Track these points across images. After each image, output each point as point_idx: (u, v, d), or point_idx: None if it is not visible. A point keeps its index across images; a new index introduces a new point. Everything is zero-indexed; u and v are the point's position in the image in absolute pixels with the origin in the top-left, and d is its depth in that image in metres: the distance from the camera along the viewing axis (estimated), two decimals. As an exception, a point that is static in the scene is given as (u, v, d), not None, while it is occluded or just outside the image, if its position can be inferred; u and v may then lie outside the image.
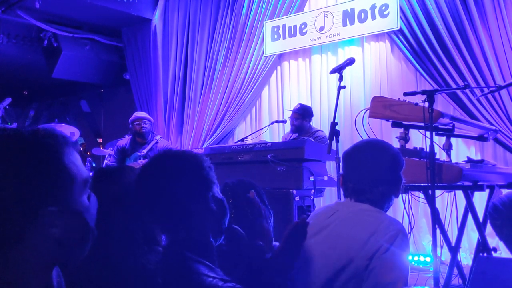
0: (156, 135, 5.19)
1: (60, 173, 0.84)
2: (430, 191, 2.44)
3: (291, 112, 5.16)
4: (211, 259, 1.29)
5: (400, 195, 1.93)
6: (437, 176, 2.41)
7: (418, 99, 2.62)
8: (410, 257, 4.49)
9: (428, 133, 2.53)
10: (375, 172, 1.65)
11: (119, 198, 1.49)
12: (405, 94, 2.44)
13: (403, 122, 2.80)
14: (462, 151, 4.66)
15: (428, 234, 4.86)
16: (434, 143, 2.56)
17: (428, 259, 4.51)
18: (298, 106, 5.21)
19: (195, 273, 1.21)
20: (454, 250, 2.94)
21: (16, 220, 0.80)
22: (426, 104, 2.40)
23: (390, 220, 1.60)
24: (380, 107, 2.80)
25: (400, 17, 4.99)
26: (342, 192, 1.81)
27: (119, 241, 1.43)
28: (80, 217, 0.87)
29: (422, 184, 2.59)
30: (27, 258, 0.82)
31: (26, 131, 0.86)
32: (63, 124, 5.90)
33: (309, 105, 5.74)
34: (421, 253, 4.65)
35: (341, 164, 3.42)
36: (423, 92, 2.38)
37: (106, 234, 1.38)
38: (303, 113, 5.11)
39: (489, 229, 3.41)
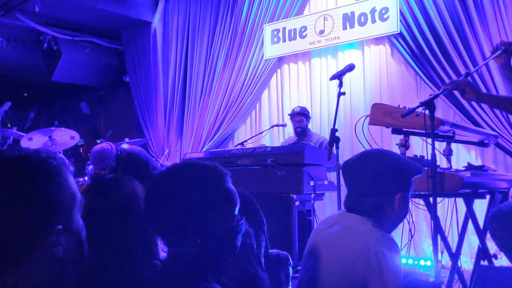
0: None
1: (66, 193, 0.87)
2: (431, 200, 2.43)
3: (292, 116, 5.15)
4: (207, 274, 1.27)
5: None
6: (438, 185, 2.41)
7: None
8: (410, 261, 4.52)
9: (429, 140, 2.52)
10: (362, 184, 1.63)
11: (116, 210, 1.48)
12: (403, 116, 2.40)
13: (403, 129, 2.79)
14: (462, 156, 4.65)
15: (428, 238, 4.85)
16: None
17: (428, 263, 4.51)
18: (299, 108, 5.22)
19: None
20: (455, 256, 2.93)
21: (24, 241, 0.81)
22: (427, 112, 2.39)
23: (380, 234, 1.58)
24: (380, 114, 2.79)
25: (400, 20, 4.98)
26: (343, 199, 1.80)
27: (117, 254, 1.42)
28: (78, 236, 0.90)
29: (422, 193, 2.59)
30: (28, 278, 0.82)
31: (31, 153, 0.87)
32: (63, 128, 5.87)
33: (309, 108, 5.75)
34: (422, 257, 4.65)
35: (341, 171, 3.44)
36: (421, 104, 2.36)
37: (104, 247, 1.37)
38: (307, 114, 5.15)
39: (489, 234, 3.41)
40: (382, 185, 1.61)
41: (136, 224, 1.49)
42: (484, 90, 4.41)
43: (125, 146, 4.86)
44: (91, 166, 5.20)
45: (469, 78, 2.79)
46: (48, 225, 0.83)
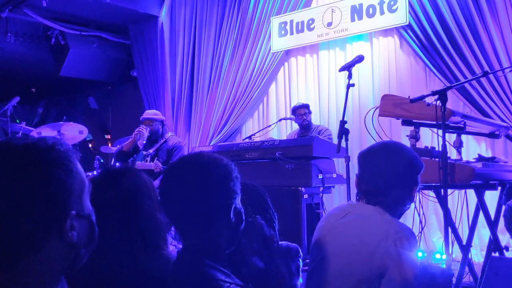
0: (166, 133, 5.10)
1: (76, 178, 0.87)
2: (442, 191, 2.41)
3: (297, 109, 5.13)
4: (224, 265, 1.28)
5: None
6: (449, 176, 2.39)
7: (429, 98, 2.58)
8: (420, 254, 4.50)
9: (440, 132, 2.49)
10: (388, 175, 1.63)
11: (117, 202, 1.48)
12: (412, 101, 2.38)
13: (414, 120, 2.77)
14: (472, 148, 4.61)
15: (438, 231, 4.83)
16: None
17: (437, 256, 4.48)
18: (301, 103, 5.21)
19: (213, 279, 1.21)
20: (466, 249, 2.91)
21: (40, 228, 0.81)
22: (439, 103, 2.36)
23: (398, 224, 1.59)
24: (390, 105, 2.77)
25: (409, 12, 4.93)
26: (355, 191, 1.79)
27: (116, 246, 1.42)
28: (89, 219, 0.91)
29: (433, 184, 2.57)
30: (44, 265, 0.83)
31: (38, 140, 0.87)
32: (71, 123, 5.91)
33: (317, 101, 5.74)
34: (431, 250, 4.62)
35: (350, 163, 3.42)
36: (433, 93, 2.34)
37: (102, 239, 1.36)
38: (309, 107, 5.14)
39: (500, 226, 3.39)
40: (409, 177, 1.66)
41: (136, 216, 1.49)
42: (499, 91, 4.37)
43: (169, 134, 5.10)
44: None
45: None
46: (61, 211, 0.84)
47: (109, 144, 8.77)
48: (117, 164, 5.19)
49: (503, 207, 3.21)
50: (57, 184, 0.83)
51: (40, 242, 0.82)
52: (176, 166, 1.35)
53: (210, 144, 6.26)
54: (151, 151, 4.89)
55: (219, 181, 1.28)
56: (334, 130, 5.04)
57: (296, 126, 5.51)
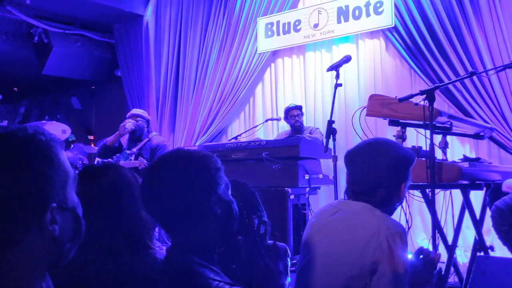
0: (151, 132, 5.09)
1: (57, 169, 0.84)
2: (428, 190, 2.42)
3: (290, 111, 5.12)
4: (213, 263, 1.26)
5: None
6: (437, 175, 2.40)
7: (416, 98, 2.59)
8: (410, 256, 4.52)
9: (427, 132, 2.50)
10: (373, 175, 1.62)
11: (97, 199, 1.44)
12: (401, 100, 2.39)
13: (401, 121, 2.78)
14: (457, 149, 4.65)
15: (422, 232, 4.86)
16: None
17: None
18: (294, 104, 5.20)
19: (201, 277, 1.19)
20: (451, 249, 2.93)
21: (18, 222, 0.78)
22: (426, 103, 2.37)
23: (390, 220, 1.59)
24: (378, 105, 2.78)
25: (395, 14, 4.96)
26: (343, 190, 1.78)
27: (99, 245, 1.38)
28: (74, 213, 0.87)
29: (420, 183, 2.57)
30: (25, 260, 0.80)
31: (17, 130, 0.83)
32: (54, 122, 5.84)
33: (304, 102, 5.74)
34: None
35: (337, 163, 3.42)
36: (421, 93, 2.35)
37: (85, 238, 1.33)
38: (301, 108, 5.15)
39: (485, 227, 3.42)
40: (394, 176, 1.64)
41: (119, 215, 1.46)
42: (483, 94, 4.42)
43: (152, 134, 5.09)
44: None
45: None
46: (41, 204, 0.80)
47: (92, 145, 8.67)
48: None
49: (487, 208, 3.24)
50: (35, 176, 0.80)
51: (17, 235, 0.78)
52: (154, 164, 1.35)
53: (196, 145, 6.22)
54: (134, 150, 4.85)
55: (195, 173, 1.27)
56: (321, 130, 5.06)
57: (283, 126, 5.51)
